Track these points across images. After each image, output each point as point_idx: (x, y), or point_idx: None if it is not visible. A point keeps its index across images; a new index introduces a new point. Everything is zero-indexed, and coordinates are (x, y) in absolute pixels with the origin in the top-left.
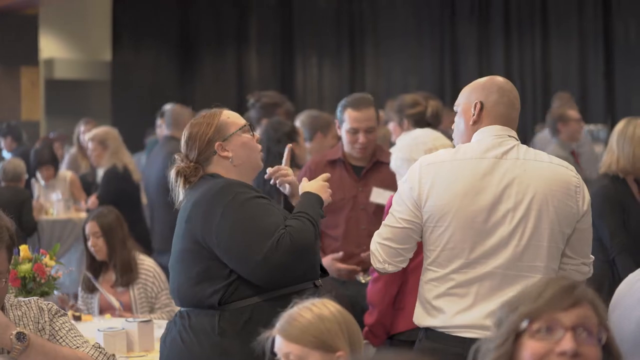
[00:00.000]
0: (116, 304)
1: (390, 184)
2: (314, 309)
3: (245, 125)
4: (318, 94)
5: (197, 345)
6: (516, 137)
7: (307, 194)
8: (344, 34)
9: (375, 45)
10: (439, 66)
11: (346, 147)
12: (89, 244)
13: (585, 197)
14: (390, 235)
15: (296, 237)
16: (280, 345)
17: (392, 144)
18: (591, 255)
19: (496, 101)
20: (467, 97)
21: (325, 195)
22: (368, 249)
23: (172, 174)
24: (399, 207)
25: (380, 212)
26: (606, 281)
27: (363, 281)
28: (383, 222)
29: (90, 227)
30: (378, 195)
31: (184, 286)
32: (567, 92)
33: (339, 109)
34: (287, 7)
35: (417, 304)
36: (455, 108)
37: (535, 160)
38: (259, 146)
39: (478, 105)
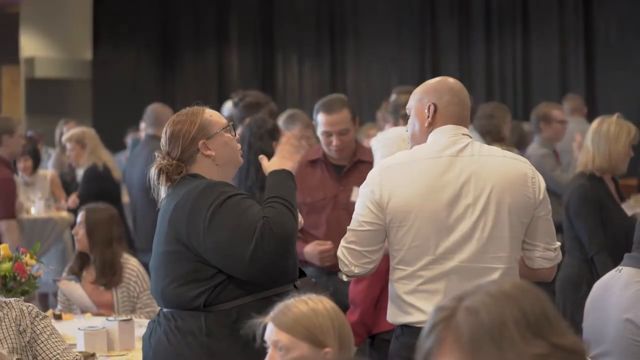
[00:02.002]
0: (92, 307)
1: None
2: (310, 303)
3: (227, 125)
4: (299, 93)
5: (185, 346)
6: (469, 134)
7: (274, 173)
8: (324, 32)
9: (356, 44)
10: (419, 65)
11: (324, 149)
12: (73, 231)
13: (540, 186)
14: (355, 239)
15: (276, 227)
16: (271, 332)
17: None
18: (557, 242)
19: (448, 102)
20: (420, 99)
21: (292, 163)
22: None
23: (154, 171)
24: (361, 210)
25: None
26: (584, 280)
27: (345, 279)
28: (348, 227)
29: (80, 216)
30: None
31: (169, 288)
32: (577, 95)
33: (314, 111)
34: (268, 6)
35: (390, 303)
36: (407, 111)
37: (490, 155)
38: (239, 145)
39: (432, 107)
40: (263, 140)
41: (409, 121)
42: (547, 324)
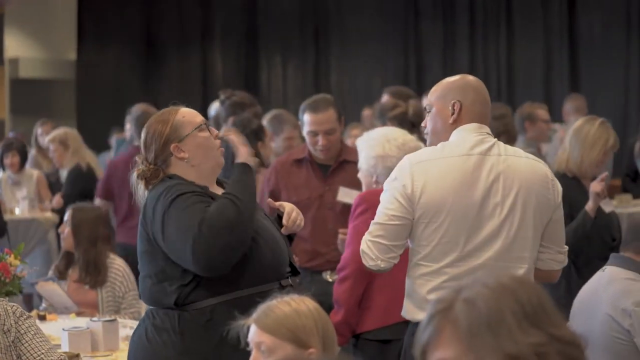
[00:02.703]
0: (73, 307)
1: (358, 182)
2: (292, 304)
3: (201, 124)
4: (282, 93)
5: (161, 344)
6: (491, 133)
7: (235, 166)
8: (308, 32)
9: (340, 45)
10: (403, 65)
11: (310, 149)
12: (59, 229)
13: (559, 189)
14: (382, 233)
15: (211, 220)
16: (254, 334)
17: None
18: (565, 245)
19: (474, 100)
20: (442, 96)
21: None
22: (336, 248)
23: (134, 176)
24: (390, 204)
25: (347, 211)
26: (563, 277)
27: (330, 280)
28: (373, 221)
29: (67, 214)
30: (345, 195)
31: (146, 286)
32: (580, 95)
33: (300, 111)
34: (252, 6)
35: (407, 300)
36: (427, 107)
37: (515, 155)
38: (217, 142)
39: (457, 105)
40: (249, 140)
41: (429, 117)
42: (544, 314)
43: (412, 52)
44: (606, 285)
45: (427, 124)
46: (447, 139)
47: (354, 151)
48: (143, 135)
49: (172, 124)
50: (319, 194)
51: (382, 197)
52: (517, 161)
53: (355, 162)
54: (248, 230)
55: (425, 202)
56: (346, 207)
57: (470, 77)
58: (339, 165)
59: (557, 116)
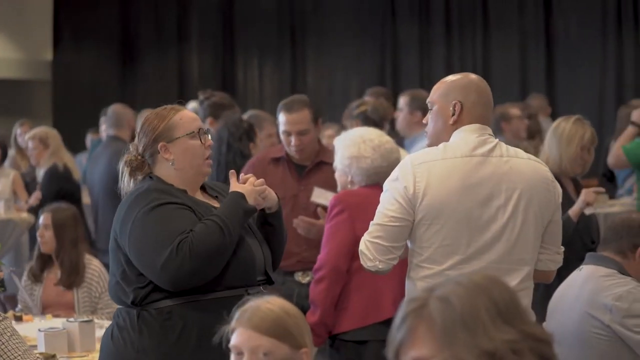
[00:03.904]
0: (33, 307)
1: (334, 184)
2: (276, 303)
3: (194, 132)
4: (259, 93)
5: (122, 342)
6: (493, 134)
7: (232, 194)
8: (285, 33)
9: (317, 45)
10: (380, 66)
11: (286, 148)
12: (38, 233)
13: (559, 191)
14: (382, 234)
15: (197, 242)
16: (248, 338)
17: None
18: (562, 246)
19: (475, 101)
20: (444, 95)
21: (252, 199)
22: (308, 248)
23: (122, 162)
24: (390, 205)
25: (321, 212)
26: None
27: (303, 281)
28: (372, 221)
29: (43, 218)
30: (319, 195)
31: (111, 285)
32: (541, 94)
33: (277, 111)
34: (229, 6)
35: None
36: (428, 104)
37: (517, 157)
38: (207, 153)
39: (458, 106)
40: (242, 141)
41: (430, 116)
42: (517, 312)
43: (388, 53)
44: (583, 284)
45: (428, 121)
46: (447, 139)
47: (330, 153)
48: (140, 122)
49: (167, 122)
50: (293, 193)
51: (382, 198)
52: (519, 162)
53: (332, 164)
54: (225, 260)
55: (427, 204)
56: (320, 208)
57: (473, 76)
58: (315, 166)
59: None
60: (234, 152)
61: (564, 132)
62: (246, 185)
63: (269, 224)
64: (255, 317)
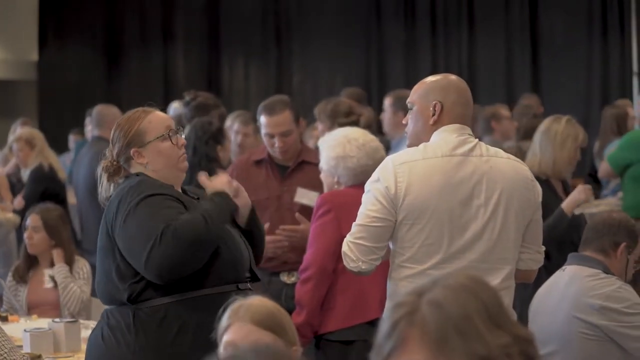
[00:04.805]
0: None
1: (317, 184)
2: (266, 300)
3: (164, 134)
4: (244, 93)
5: (115, 343)
6: (472, 134)
7: (217, 192)
8: (270, 33)
9: (302, 46)
10: (365, 66)
11: (268, 150)
12: (25, 235)
13: (538, 190)
14: (364, 234)
15: (180, 228)
16: (246, 332)
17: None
18: (543, 245)
19: (455, 101)
20: (424, 95)
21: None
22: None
23: (99, 168)
24: (372, 206)
25: (304, 212)
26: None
27: (288, 282)
28: (354, 222)
29: (31, 220)
30: (302, 196)
31: (102, 283)
32: (533, 94)
33: (257, 113)
34: (214, 6)
35: (389, 302)
36: (408, 105)
37: (497, 156)
38: (181, 151)
39: (438, 106)
40: (208, 145)
41: (410, 116)
42: (504, 314)
43: (374, 53)
44: (567, 285)
45: (408, 121)
46: (427, 139)
47: (313, 152)
48: (112, 130)
49: (137, 128)
50: (276, 194)
51: (364, 198)
52: (499, 162)
53: (314, 164)
54: (207, 252)
55: (409, 204)
56: (304, 209)
57: (453, 77)
58: (298, 166)
59: None
60: (200, 155)
61: (557, 134)
62: (220, 183)
63: (247, 231)
64: (253, 312)
